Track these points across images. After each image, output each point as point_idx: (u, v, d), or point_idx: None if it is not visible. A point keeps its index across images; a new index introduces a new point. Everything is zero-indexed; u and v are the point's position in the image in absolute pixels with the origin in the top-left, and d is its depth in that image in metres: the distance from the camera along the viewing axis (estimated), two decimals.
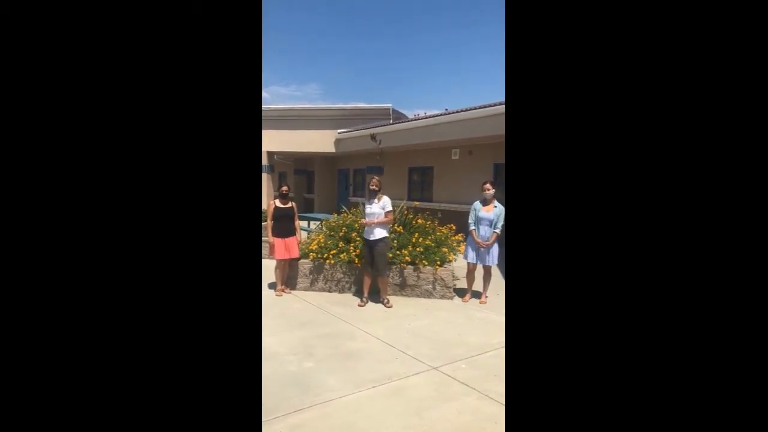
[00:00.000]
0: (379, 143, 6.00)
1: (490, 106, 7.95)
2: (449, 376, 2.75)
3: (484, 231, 4.34)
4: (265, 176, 14.05)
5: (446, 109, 9.59)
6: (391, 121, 11.69)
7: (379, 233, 4.23)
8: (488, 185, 4.36)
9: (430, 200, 10.26)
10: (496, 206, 4.34)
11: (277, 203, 4.70)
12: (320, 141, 13.12)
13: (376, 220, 4.19)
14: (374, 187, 4.28)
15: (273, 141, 13.73)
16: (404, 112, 13.58)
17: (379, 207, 4.23)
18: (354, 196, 13.36)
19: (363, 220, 4.26)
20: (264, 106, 14.03)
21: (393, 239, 4.72)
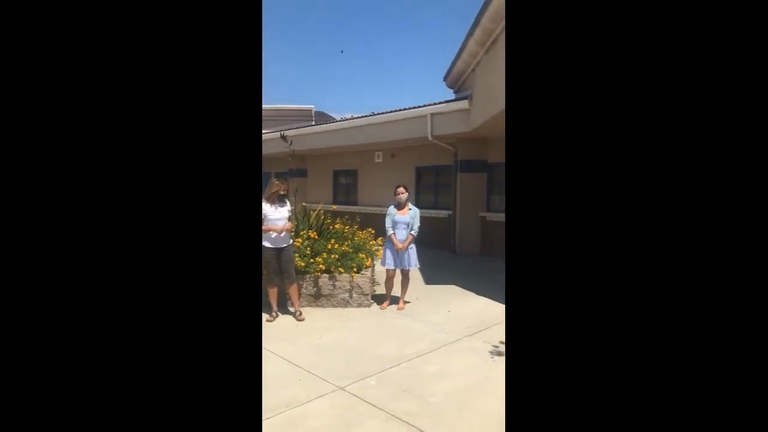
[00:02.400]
0: (290, 144, 5.66)
1: (411, 108, 7.95)
2: (356, 396, 2.52)
3: (401, 234, 4.25)
4: None
5: (372, 113, 9.47)
6: (313, 123, 11.34)
7: (286, 240, 3.95)
8: (401, 189, 4.32)
9: (355, 203, 10.07)
10: (410, 209, 4.29)
11: None
12: None
13: (285, 227, 3.87)
14: (276, 190, 3.93)
15: None
16: (333, 114, 13.30)
17: (287, 212, 3.92)
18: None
19: (269, 226, 3.87)
20: None
21: (306, 246, 4.41)
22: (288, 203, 3.99)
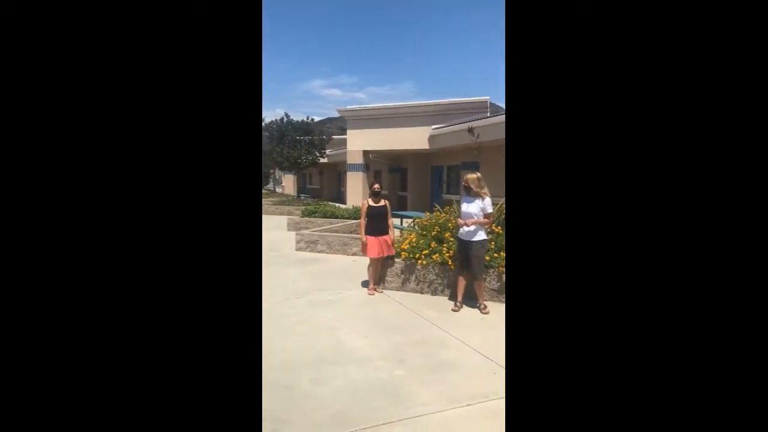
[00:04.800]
0: (477, 137, 5.66)
1: None
2: None
3: None
4: (360, 175, 14.47)
5: None
6: (488, 115, 11.11)
7: (477, 234, 3.93)
8: None
9: None
10: None
11: (370, 201, 4.68)
12: (414, 138, 13.05)
13: (471, 221, 3.90)
14: (466, 184, 3.99)
15: (367, 140, 14.05)
16: (501, 105, 12.86)
17: (477, 207, 3.93)
18: (448, 193, 13.03)
19: (459, 220, 3.99)
20: (358, 107, 14.44)
21: (491, 240, 4.38)
22: (485, 197, 3.96)
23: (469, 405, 2.33)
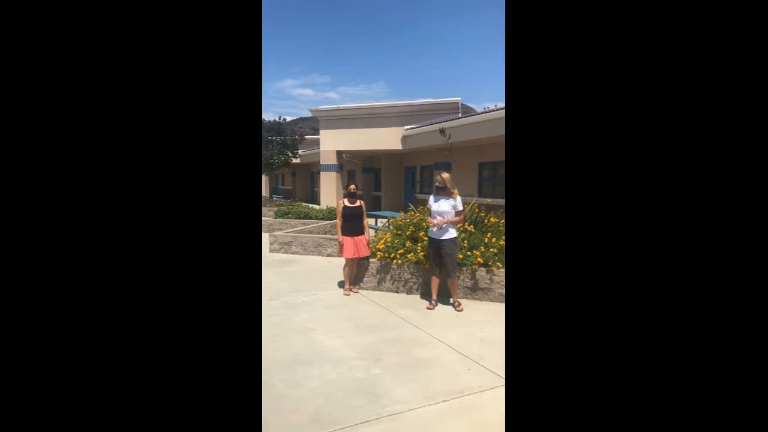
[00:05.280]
0: (449, 138, 5.74)
1: None
2: None
3: None
4: (334, 175, 14.39)
5: None
6: (459, 115, 11.29)
7: (448, 232, 4.00)
8: None
9: (502, 196, 9.73)
10: None
11: (346, 202, 4.67)
12: (387, 138, 13.09)
13: (444, 220, 3.96)
14: (439, 183, 4.06)
15: (341, 140, 13.98)
16: (472, 106, 13.10)
17: (449, 205, 4.00)
18: (421, 193, 13.15)
19: (429, 219, 4.04)
20: (331, 107, 14.36)
21: (464, 239, 4.46)
22: (456, 196, 4.04)
23: (445, 401, 2.37)
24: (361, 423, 2.15)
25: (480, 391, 2.49)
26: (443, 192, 4.04)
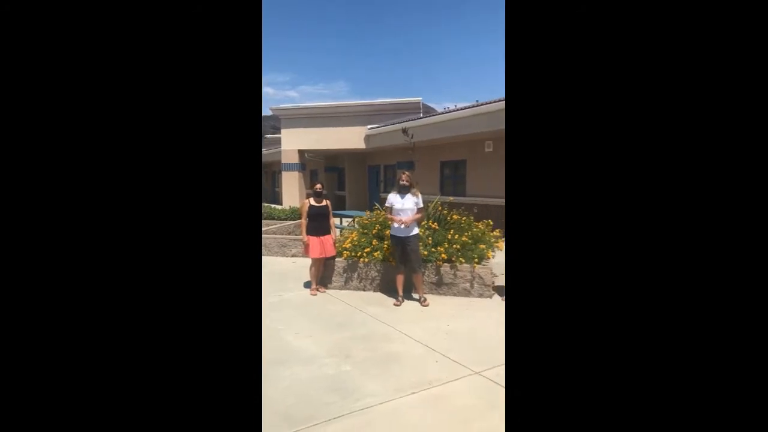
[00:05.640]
0: (412, 137, 5.85)
1: None
2: (494, 381, 2.60)
3: None
4: (297, 174, 14.20)
5: (477, 101, 9.31)
6: (421, 115, 11.49)
7: (412, 230, 4.13)
8: None
9: (463, 194, 10.02)
10: None
11: (312, 202, 4.66)
12: (350, 138, 13.09)
13: (411, 218, 4.06)
14: (405, 182, 4.16)
15: (303, 139, 13.82)
16: (433, 105, 13.36)
17: (412, 202, 4.11)
18: (385, 192, 13.26)
19: (396, 217, 4.13)
20: (292, 105, 14.16)
21: (428, 236, 4.59)
22: (418, 194, 4.16)
23: (414, 393, 2.46)
24: (335, 418, 2.19)
25: (447, 382, 2.59)
26: (406, 190, 4.15)
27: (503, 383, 2.56)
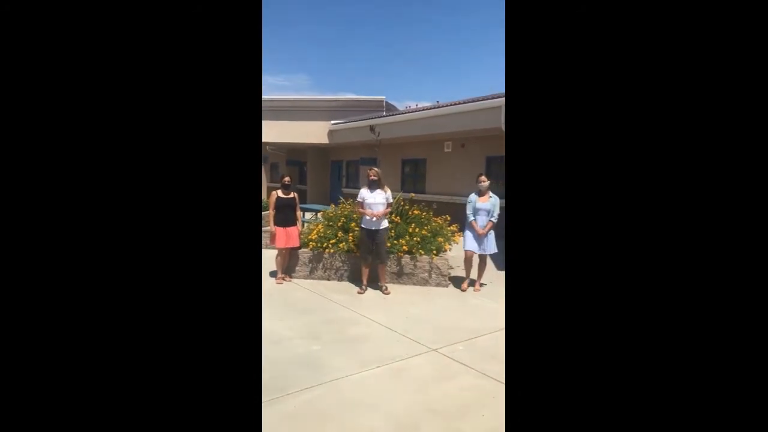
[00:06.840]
0: (378, 135, 6.10)
1: (483, 99, 8.09)
2: (448, 357, 2.93)
3: (482, 221, 4.52)
4: None
5: (437, 102, 9.71)
6: (384, 113, 11.77)
7: (382, 223, 4.41)
8: (483, 177, 4.59)
9: (423, 192, 10.41)
10: (491, 197, 4.54)
11: (279, 193, 4.81)
12: (313, 132, 13.13)
13: (383, 211, 4.36)
14: (374, 177, 4.42)
15: (266, 132, 13.65)
16: (394, 103, 13.66)
17: (382, 197, 4.39)
18: (347, 187, 13.44)
19: (368, 210, 4.39)
20: None
21: (391, 229, 4.88)
22: (387, 189, 4.45)
23: (378, 367, 2.73)
24: (307, 388, 2.42)
25: (408, 357, 2.89)
26: (376, 185, 4.41)
27: (457, 358, 2.90)
